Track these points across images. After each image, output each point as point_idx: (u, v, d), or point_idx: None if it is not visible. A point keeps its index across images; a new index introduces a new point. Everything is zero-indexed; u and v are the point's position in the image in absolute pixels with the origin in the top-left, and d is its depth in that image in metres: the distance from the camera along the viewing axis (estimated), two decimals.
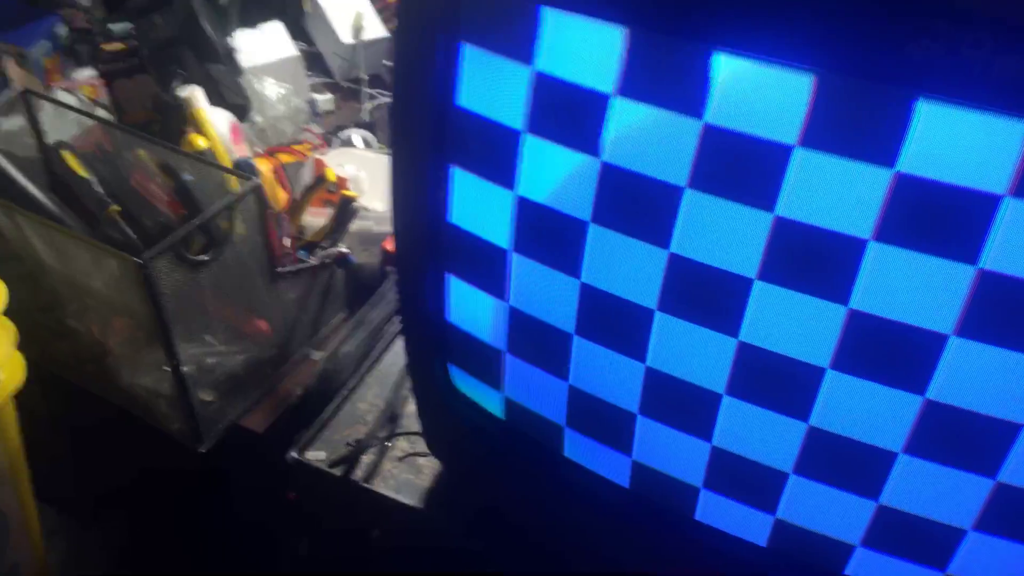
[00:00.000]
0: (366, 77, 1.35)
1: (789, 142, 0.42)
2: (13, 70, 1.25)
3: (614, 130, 0.47)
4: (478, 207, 0.57)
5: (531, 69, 0.49)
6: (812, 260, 0.45)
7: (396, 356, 0.91)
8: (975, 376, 0.43)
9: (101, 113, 1.15)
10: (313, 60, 1.40)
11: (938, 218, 0.41)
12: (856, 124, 0.40)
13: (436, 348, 0.66)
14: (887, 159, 0.40)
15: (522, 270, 0.57)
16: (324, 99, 1.34)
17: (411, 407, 0.84)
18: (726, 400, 0.52)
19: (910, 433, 0.46)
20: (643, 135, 0.47)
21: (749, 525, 0.57)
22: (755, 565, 0.58)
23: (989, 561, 0.48)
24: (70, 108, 1.05)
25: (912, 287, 0.43)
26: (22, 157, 0.98)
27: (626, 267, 0.51)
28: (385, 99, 1.35)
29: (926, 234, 0.41)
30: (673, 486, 0.59)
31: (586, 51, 0.46)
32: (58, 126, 1.03)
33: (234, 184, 0.91)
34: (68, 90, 1.21)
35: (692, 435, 0.55)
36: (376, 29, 1.38)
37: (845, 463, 0.50)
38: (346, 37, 1.35)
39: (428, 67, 0.52)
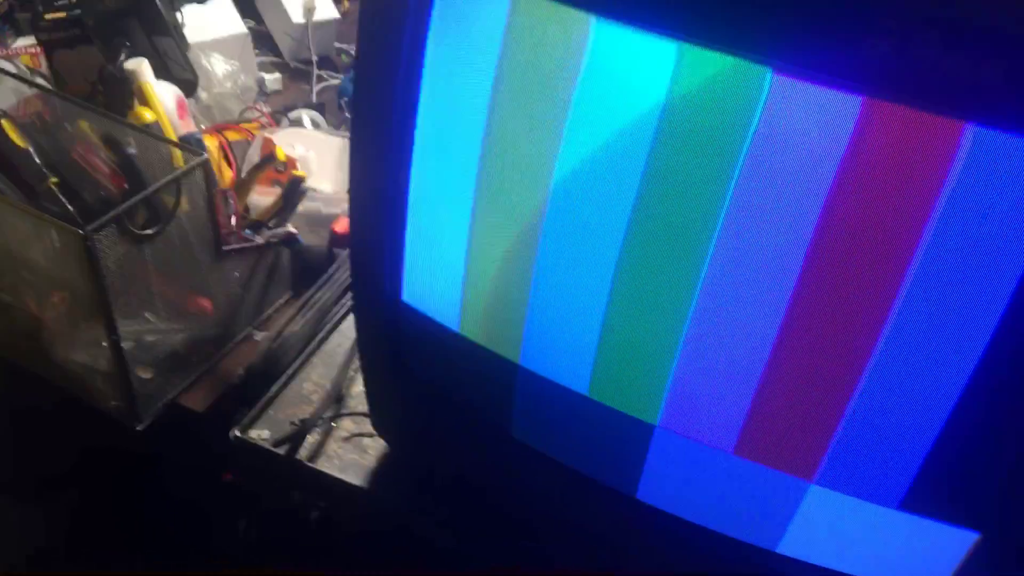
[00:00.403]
0: (316, 58, 1.34)
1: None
2: None
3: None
4: (437, 186, 0.58)
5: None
6: None
7: (343, 337, 0.91)
8: None
9: (41, 83, 1.12)
10: (262, 39, 1.38)
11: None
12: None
13: (388, 327, 0.66)
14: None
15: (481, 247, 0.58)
16: (272, 78, 1.32)
17: (357, 388, 0.85)
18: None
19: None
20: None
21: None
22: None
23: None
24: (9, 75, 1.01)
25: None
26: None
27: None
28: (335, 81, 1.34)
29: None
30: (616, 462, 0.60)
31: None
32: None
33: (179, 160, 0.90)
34: (7, 58, 1.17)
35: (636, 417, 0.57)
36: (327, 10, 1.37)
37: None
38: (297, 17, 1.34)
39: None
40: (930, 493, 0.52)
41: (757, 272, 0.48)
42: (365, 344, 0.71)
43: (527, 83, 0.50)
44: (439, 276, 0.62)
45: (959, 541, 0.53)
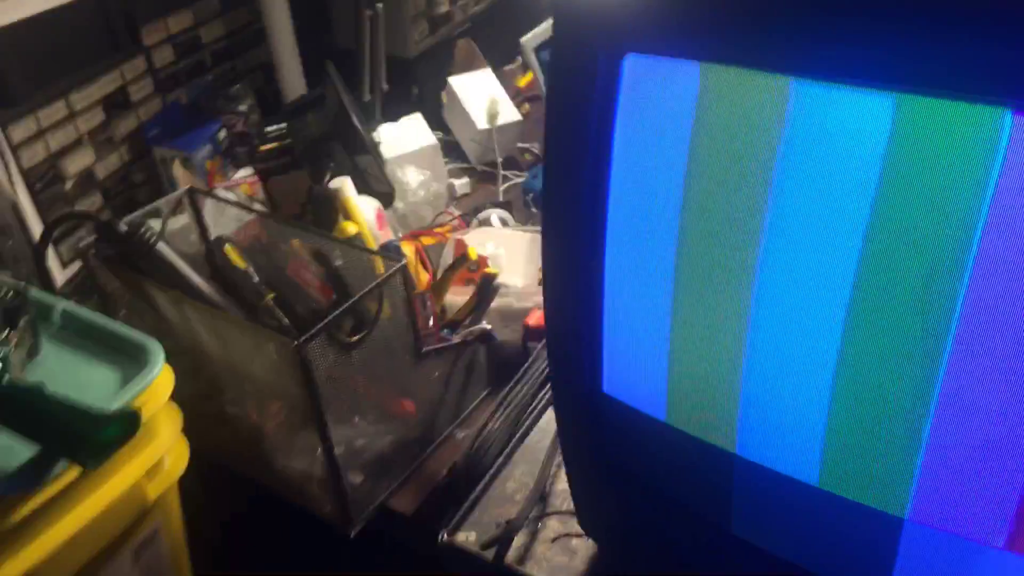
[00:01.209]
0: (500, 159, 1.38)
1: None
2: (179, 172, 1.35)
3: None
4: (634, 271, 0.56)
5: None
6: None
7: (542, 433, 0.89)
8: None
9: (258, 208, 1.22)
10: (450, 147, 1.45)
11: None
12: None
13: (591, 420, 0.64)
14: None
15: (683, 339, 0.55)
16: (461, 183, 1.37)
17: (561, 485, 0.82)
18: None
19: None
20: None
21: None
22: None
23: None
24: (230, 203, 1.11)
25: None
26: (187, 252, 1.05)
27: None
28: (519, 179, 1.38)
29: None
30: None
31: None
32: (219, 222, 1.10)
33: (380, 267, 0.93)
34: (228, 188, 1.29)
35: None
36: (509, 114, 1.42)
37: None
38: (481, 123, 1.39)
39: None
40: None
41: (1010, 343, 0.42)
42: (567, 439, 0.69)
43: (725, 155, 0.48)
44: (641, 364, 0.59)
45: None
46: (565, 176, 0.56)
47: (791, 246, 0.48)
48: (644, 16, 0.47)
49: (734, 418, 0.55)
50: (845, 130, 0.42)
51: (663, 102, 0.49)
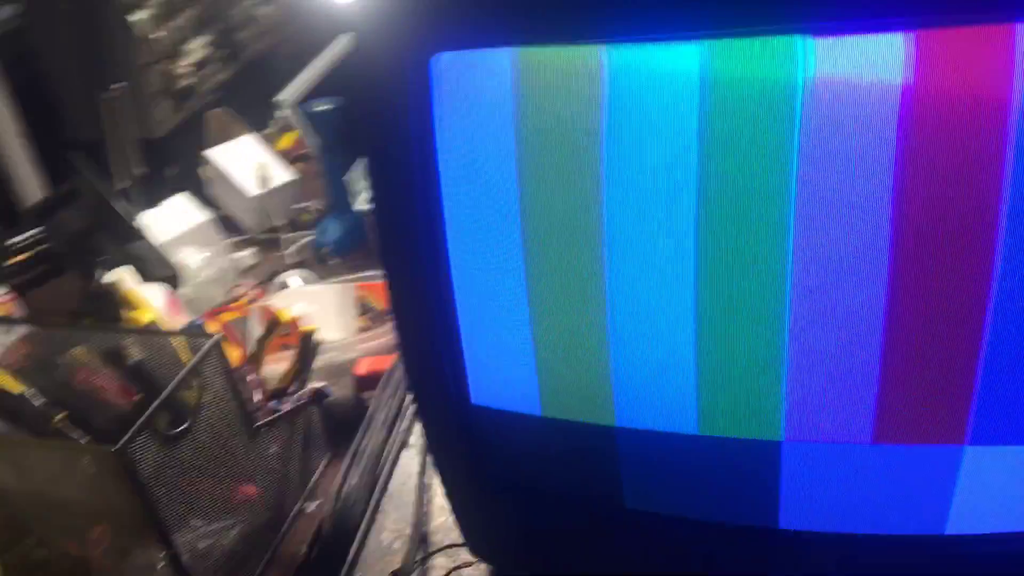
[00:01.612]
0: (282, 223, 1.33)
1: None
2: None
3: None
4: (483, 275, 0.56)
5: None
6: None
7: (405, 475, 0.86)
8: None
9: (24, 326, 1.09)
10: (225, 221, 1.38)
11: None
12: None
13: (465, 436, 0.62)
14: None
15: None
16: (245, 254, 1.31)
17: (437, 520, 0.80)
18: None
19: None
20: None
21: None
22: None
23: None
24: None
25: None
26: None
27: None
28: (307, 238, 1.34)
29: None
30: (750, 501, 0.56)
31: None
32: None
33: (185, 353, 0.87)
34: None
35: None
36: (282, 175, 1.38)
37: None
38: (253, 190, 1.34)
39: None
40: None
41: (846, 246, 0.46)
42: (443, 464, 0.67)
43: (551, 137, 0.49)
44: (507, 366, 0.58)
45: None
46: (393, 194, 0.55)
47: (633, 213, 0.49)
48: (445, 12, 0.47)
49: (609, 392, 0.56)
50: (662, 86, 0.45)
51: (481, 97, 0.49)
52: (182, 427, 0.81)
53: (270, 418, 0.90)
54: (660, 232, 0.49)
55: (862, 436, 0.52)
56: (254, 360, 0.96)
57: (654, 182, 0.48)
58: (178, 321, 1.02)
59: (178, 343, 0.88)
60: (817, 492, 0.56)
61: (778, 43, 0.42)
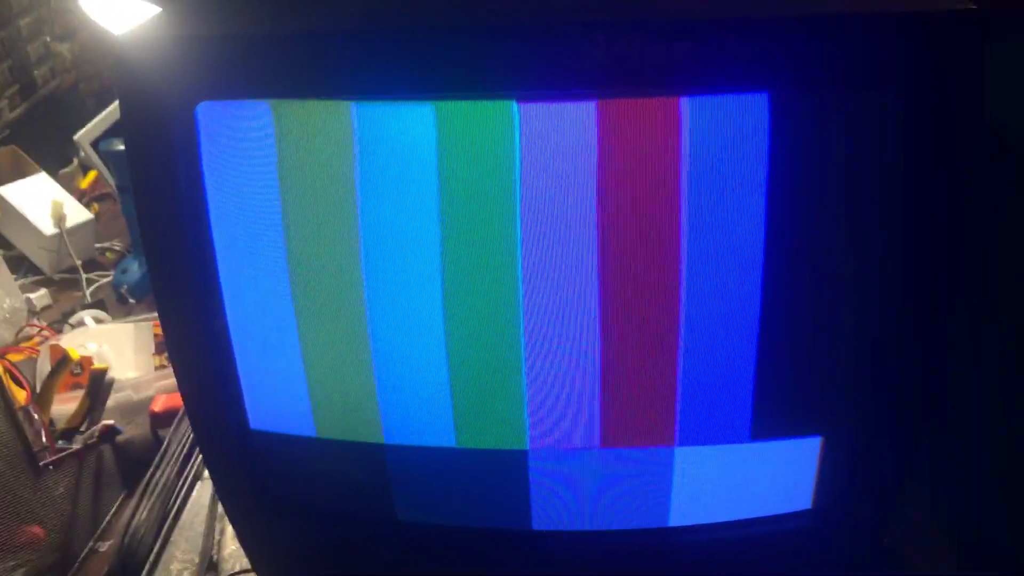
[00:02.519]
0: (80, 262, 1.30)
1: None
2: None
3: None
4: (254, 307, 0.60)
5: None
6: None
7: (197, 507, 0.87)
8: None
9: None
10: (17, 260, 1.33)
11: None
12: None
13: (245, 461, 0.65)
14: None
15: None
16: (38, 295, 1.27)
17: (228, 548, 0.81)
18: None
19: None
20: None
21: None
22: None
23: None
24: None
25: None
26: None
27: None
28: (106, 278, 1.31)
29: None
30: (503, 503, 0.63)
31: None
32: None
33: None
34: None
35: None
36: (78, 215, 1.35)
37: None
38: (48, 229, 1.30)
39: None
40: (768, 418, 0.59)
41: (564, 275, 0.54)
42: (225, 492, 0.69)
43: (310, 180, 0.54)
44: (282, 391, 0.63)
45: (809, 448, 0.60)
46: (162, 231, 0.58)
47: (387, 249, 0.55)
48: (210, 62, 0.52)
49: (376, 412, 0.61)
50: (404, 140, 0.52)
51: (246, 142, 0.54)
52: None
53: (57, 456, 0.89)
54: (410, 265, 0.55)
55: (592, 441, 0.60)
56: (42, 399, 0.95)
57: (403, 222, 0.54)
58: None
59: None
60: (562, 494, 0.63)
61: (493, 107, 0.50)
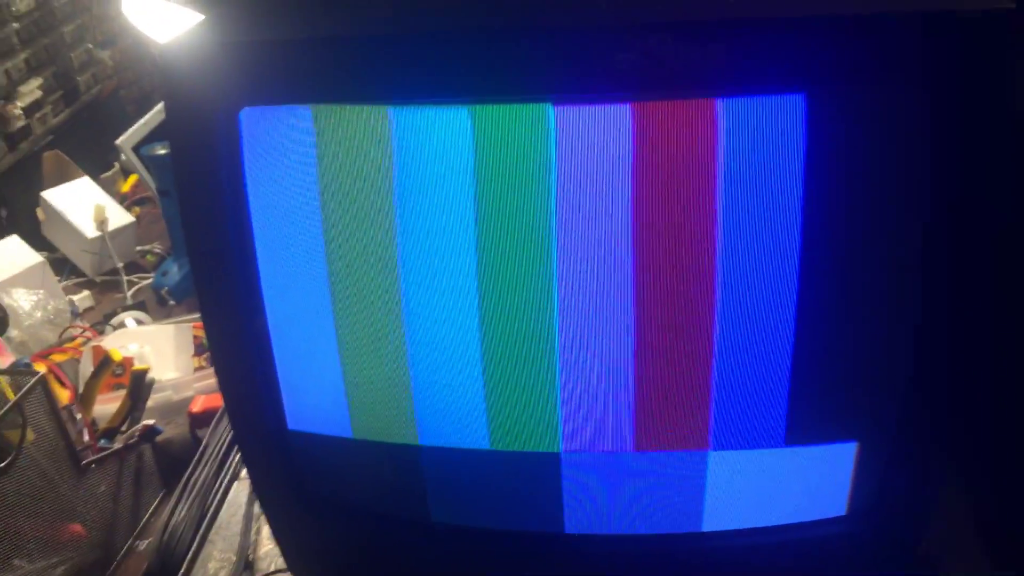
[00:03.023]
0: (121, 265, 1.33)
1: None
2: None
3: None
4: (293, 310, 0.61)
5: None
6: None
7: (234, 507, 0.89)
8: None
9: None
10: (61, 263, 1.36)
11: None
12: None
13: (283, 461, 0.66)
14: None
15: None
16: (81, 297, 1.30)
17: (264, 548, 0.82)
18: None
19: None
20: None
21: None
22: None
23: None
24: None
25: None
26: None
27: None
28: (146, 280, 1.34)
29: None
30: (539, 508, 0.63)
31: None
32: None
33: (8, 392, 0.86)
34: None
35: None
36: (120, 218, 1.38)
37: None
38: (91, 232, 1.33)
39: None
40: (804, 423, 0.59)
41: (600, 283, 0.54)
42: (264, 490, 0.71)
43: (349, 184, 0.55)
44: (319, 392, 0.63)
45: (845, 454, 0.60)
46: (206, 235, 0.59)
47: (424, 253, 0.56)
48: (252, 68, 0.53)
49: (412, 414, 0.62)
50: (441, 143, 0.52)
51: (287, 147, 0.55)
52: (2, 464, 0.81)
53: (99, 455, 0.91)
54: (446, 269, 0.56)
55: (626, 445, 0.60)
56: (85, 398, 0.97)
57: (440, 225, 0.55)
58: (5, 362, 1.01)
59: (2, 382, 0.87)
60: (594, 498, 0.63)
61: (529, 110, 0.50)
